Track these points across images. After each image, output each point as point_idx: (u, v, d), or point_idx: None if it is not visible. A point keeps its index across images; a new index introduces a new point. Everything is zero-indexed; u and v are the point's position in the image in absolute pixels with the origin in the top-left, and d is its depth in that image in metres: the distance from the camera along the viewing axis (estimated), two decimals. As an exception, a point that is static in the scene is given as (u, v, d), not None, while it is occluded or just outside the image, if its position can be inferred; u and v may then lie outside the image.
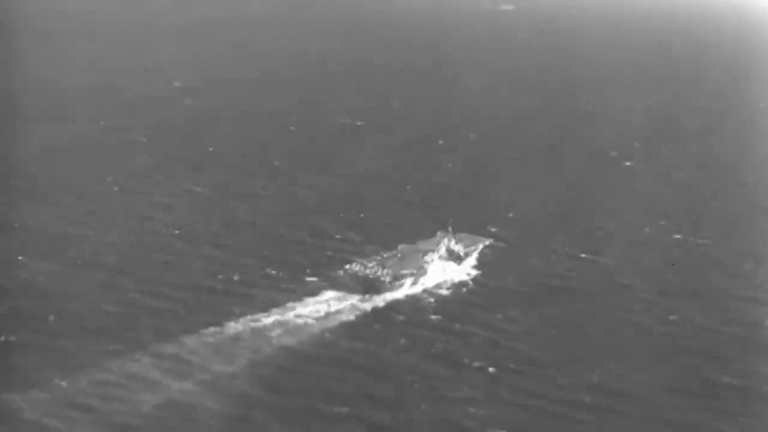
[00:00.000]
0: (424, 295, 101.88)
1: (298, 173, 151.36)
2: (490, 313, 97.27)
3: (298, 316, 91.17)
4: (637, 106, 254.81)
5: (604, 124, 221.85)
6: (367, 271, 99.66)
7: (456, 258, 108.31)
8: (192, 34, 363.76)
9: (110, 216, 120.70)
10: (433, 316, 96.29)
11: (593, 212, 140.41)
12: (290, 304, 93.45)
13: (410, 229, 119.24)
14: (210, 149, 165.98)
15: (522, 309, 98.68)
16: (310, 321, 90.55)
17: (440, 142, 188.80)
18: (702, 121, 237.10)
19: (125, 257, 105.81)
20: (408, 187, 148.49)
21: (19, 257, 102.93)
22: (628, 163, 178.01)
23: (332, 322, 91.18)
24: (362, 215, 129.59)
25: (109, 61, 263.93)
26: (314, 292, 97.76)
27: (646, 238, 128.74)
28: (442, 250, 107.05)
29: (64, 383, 75.34)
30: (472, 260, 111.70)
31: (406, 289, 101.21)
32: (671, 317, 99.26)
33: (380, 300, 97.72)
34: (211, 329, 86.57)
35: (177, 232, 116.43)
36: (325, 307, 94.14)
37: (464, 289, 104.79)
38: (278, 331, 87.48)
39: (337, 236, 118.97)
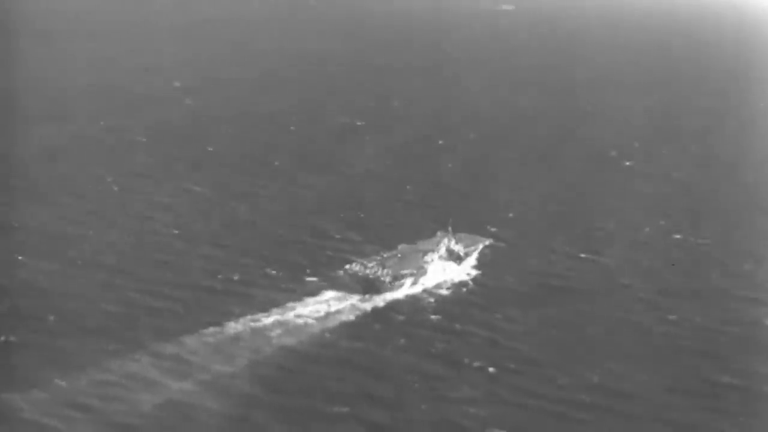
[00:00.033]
0: (424, 295, 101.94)
1: (298, 173, 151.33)
2: (490, 313, 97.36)
3: (298, 316, 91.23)
4: (637, 106, 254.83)
5: (604, 124, 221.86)
6: (367, 271, 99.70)
7: (456, 258, 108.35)
8: (192, 34, 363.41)
9: (110, 216, 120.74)
10: (433, 316, 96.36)
11: (593, 212, 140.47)
12: (290, 304, 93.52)
13: (410, 229, 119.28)
14: (210, 149, 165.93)
15: (522, 309, 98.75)
16: (310, 321, 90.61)
17: (440, 142, 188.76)
18: (702, 121, 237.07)
19: (125, 257, 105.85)
20: (408, 187, 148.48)
21: (19, 257, 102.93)
22: (628, 163, 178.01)
23: (332, 322, 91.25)
24: (362, 215, 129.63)
25: (108, 61, 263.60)
26: (314, 292, 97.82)
27: (646, 238, 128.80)
28: (442, 250, 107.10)
29: (64, 383, 75.38)
30: (472, 260, 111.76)
31: (406, 289, 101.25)
32: (671, 317, 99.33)
33: (380, 300, 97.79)
34: (211, 329, 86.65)
35: (177, 232, 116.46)
36: (325, 307, 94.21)
37: (464, 289, 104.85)
38: (278, 331, 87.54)
39: (337, 236, 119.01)
